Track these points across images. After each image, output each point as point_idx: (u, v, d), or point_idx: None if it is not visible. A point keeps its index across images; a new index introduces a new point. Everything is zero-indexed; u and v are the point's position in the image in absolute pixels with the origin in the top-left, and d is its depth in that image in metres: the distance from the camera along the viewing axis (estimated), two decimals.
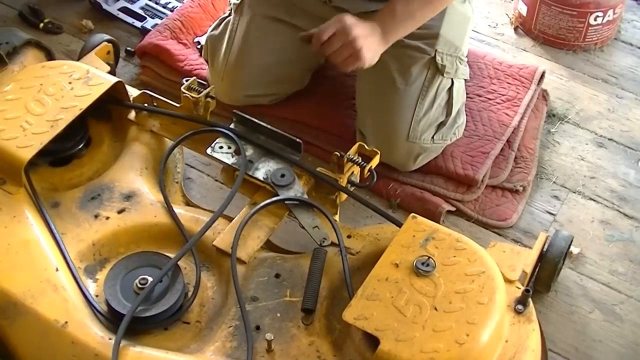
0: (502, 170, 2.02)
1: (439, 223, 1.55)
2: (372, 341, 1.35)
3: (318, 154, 2.03)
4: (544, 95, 2.27)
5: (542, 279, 1.74)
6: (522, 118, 2.13)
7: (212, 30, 2.13)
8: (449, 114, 1.96)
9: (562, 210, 2.00)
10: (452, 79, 1.96)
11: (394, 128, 1.92)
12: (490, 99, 2.18)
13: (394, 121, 1.92)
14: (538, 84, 2.23)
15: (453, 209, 1.97)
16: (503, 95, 2.19)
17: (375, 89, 1.96)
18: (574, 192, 2.05)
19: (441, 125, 1.95)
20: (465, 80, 2.04)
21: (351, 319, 1.35)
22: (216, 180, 2.02)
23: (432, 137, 1.94)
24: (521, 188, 2.02)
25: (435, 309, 1.35)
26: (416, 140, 1.92)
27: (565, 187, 2.06)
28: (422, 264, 1.41)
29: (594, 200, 2.03)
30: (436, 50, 1.93)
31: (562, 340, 1.74)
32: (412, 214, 1.52)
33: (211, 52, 2.10)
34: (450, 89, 1.96)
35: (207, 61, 2.15)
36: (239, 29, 2.04)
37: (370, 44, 1.73)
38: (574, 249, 1.88)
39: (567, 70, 2.41)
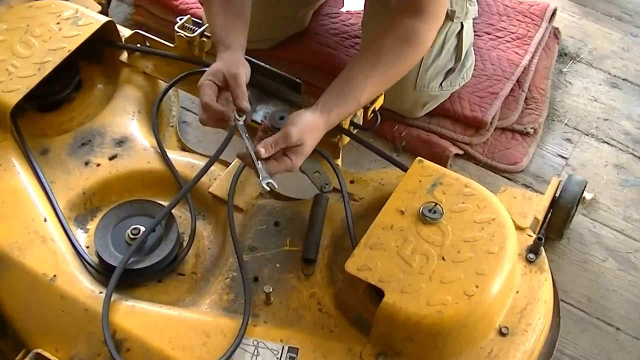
0: (511, 112, 1.97)
1: (446, 167, 1.49)
2: (377, 293, 1.30)
3: (319, 94, 1.94)
4: (556, 33, 2.21)
5: (555, 226, 1.70)
6: (532, 57, 2.08)
7: None
8: (458, 59, 1.90)
9: (575, 154, 1.95)
10: (461, 23, 1.88)
11: (401, 78, 1.84)
12: (499, 37, 2.12)
13: None
14: (549, 21, 2.17)
15: (461, 152, 1.92)
16: (513, 33, 2.13)
17: None
18: (587, 135, 1.99)
19: (450, 71, 1.90)
20: (473, 18, 1.95)
21: (354, 269, 1.30)
22: None
23: (441, 84, 1.89)
24: (532, 130, 1.97)
25: (443, 258, 1.31)
26: (424, 89, 1.87)
27: (578, 130, 2.00)
28: (429, 210, 1.36)
29: (608, 143, 1.98)
30: None
31: (575, 290, 1.70)
32: (418, 157, 1.47)
33: None
34: (460, 33, 1.88)
35: (202, 4, 2.06)
36: None
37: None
38: (587, 195, 1.84)
39: (579, 7, 2.35)
